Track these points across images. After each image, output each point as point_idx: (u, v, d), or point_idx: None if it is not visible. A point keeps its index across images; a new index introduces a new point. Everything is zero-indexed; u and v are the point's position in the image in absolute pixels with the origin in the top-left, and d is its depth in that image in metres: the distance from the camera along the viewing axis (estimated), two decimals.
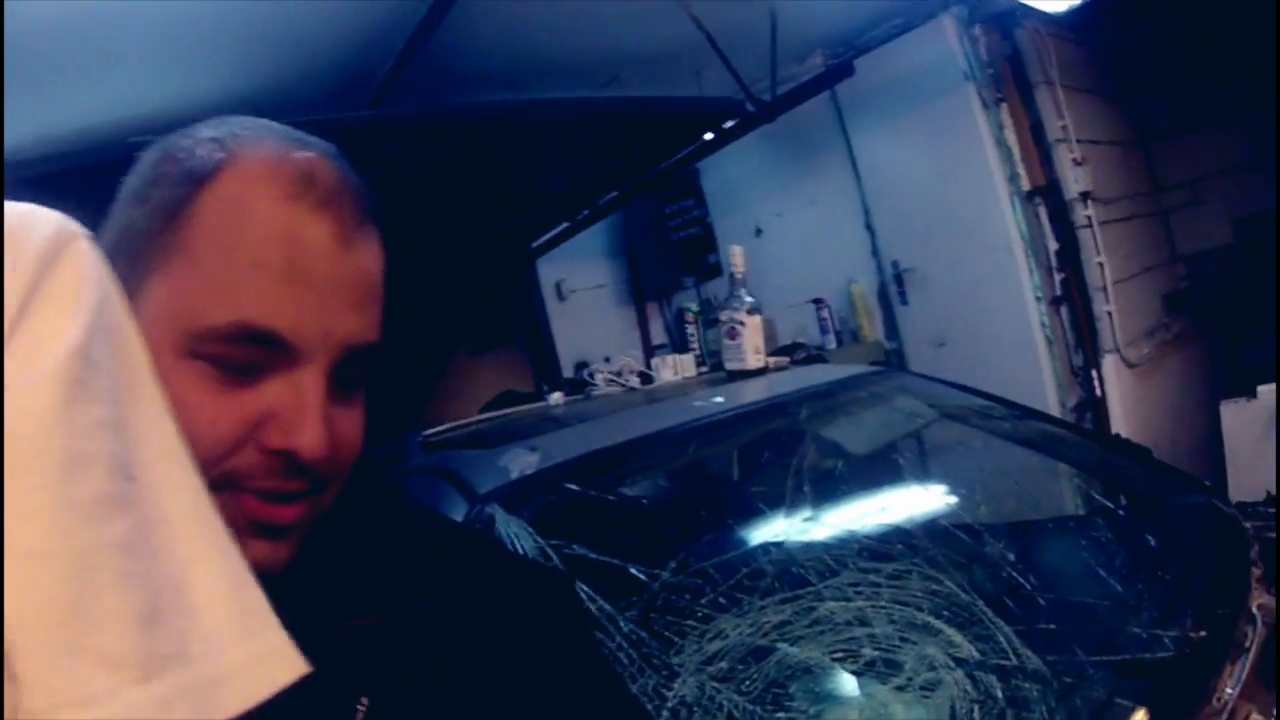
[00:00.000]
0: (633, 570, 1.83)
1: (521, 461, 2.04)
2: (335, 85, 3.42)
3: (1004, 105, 4.43)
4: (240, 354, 0.82)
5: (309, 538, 0.91)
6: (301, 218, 0.84)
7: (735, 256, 2.96)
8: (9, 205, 0.70)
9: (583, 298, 5.67)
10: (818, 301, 5.02)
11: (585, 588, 1.75)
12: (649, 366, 3.06)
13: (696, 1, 3.40)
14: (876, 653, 1.76)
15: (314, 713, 0.80)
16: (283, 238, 0.83)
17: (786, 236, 5.23)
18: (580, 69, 3.75)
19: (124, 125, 3.10)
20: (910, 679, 1.71)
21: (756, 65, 3.89)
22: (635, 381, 2.95)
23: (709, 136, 4.07)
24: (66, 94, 3.11)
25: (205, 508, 0.72)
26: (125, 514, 0.66)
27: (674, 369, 3.01)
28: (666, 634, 1.73)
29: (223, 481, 0.82)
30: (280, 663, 0.70)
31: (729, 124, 3.98)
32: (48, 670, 0.60)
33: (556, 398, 2.78)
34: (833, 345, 4.94)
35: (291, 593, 0.85)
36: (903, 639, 1.79)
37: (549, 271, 5.61)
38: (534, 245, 5.36)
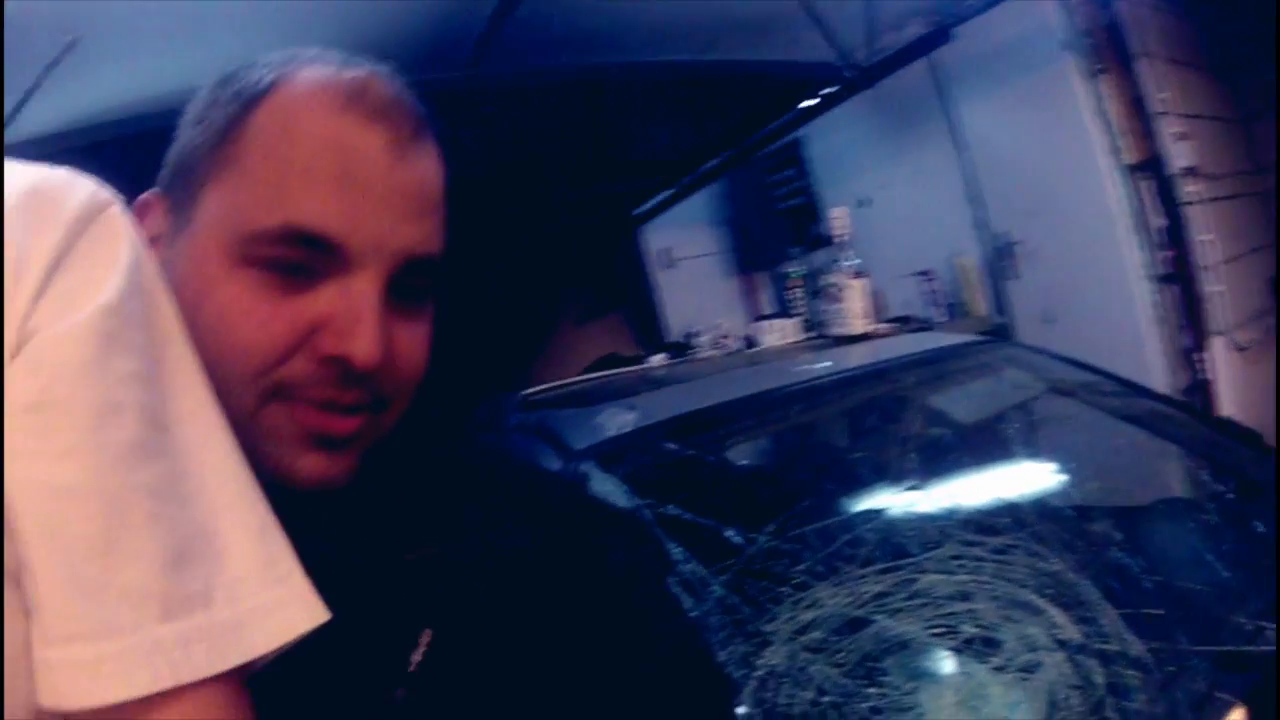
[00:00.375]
0: (728, 533, 1.76)
1: (619, 420, 1.98)
2: (428, 50, 3.34)
3: (1104, 77, 4.24)
4: (291, 256, 0.81)
5: (376, 464, 0.89)
6: (353, 128, 0.82)
7: (838, 219, 2.88)
8: (48, 170, 0.72)
9: (690, 266, 5.60)
10: (924, 274, 4.88)
11: (678, 549, 1.69)
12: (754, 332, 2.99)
13: None
14: (976, 630, 1.68)
15: (376, 643, 0.83)
16: (334, 146, 0.81)
17: (892, 208, 5.07)
18: (679, 33, 3.60)
19: None
20: (1010, 660, 1.63)
21: (854, 33, 3.77)
22: (738, 345, 2.89)
23: (808, 103, 3.97)
24: (155, 61, 2.99)
25: (235, 461, 0.74)
26: (156, 461, 0.67)
27: (778, 334, 2.94)
28: (760, 600, 1.66)
29: (277, 391, 0.82)
30: (301, 609, 0.71)
31: (827, 90, 3.89)
32: (72, 602, 0.62)
33: (658, 359, 2.73)
34: (941, 319, 4.79)
35: (354, 519, 0.87)
36: (1004, 617, 1.71)
37: (655, 239, 5.55)
38: (637, 212, 5.31)
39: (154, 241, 0.89)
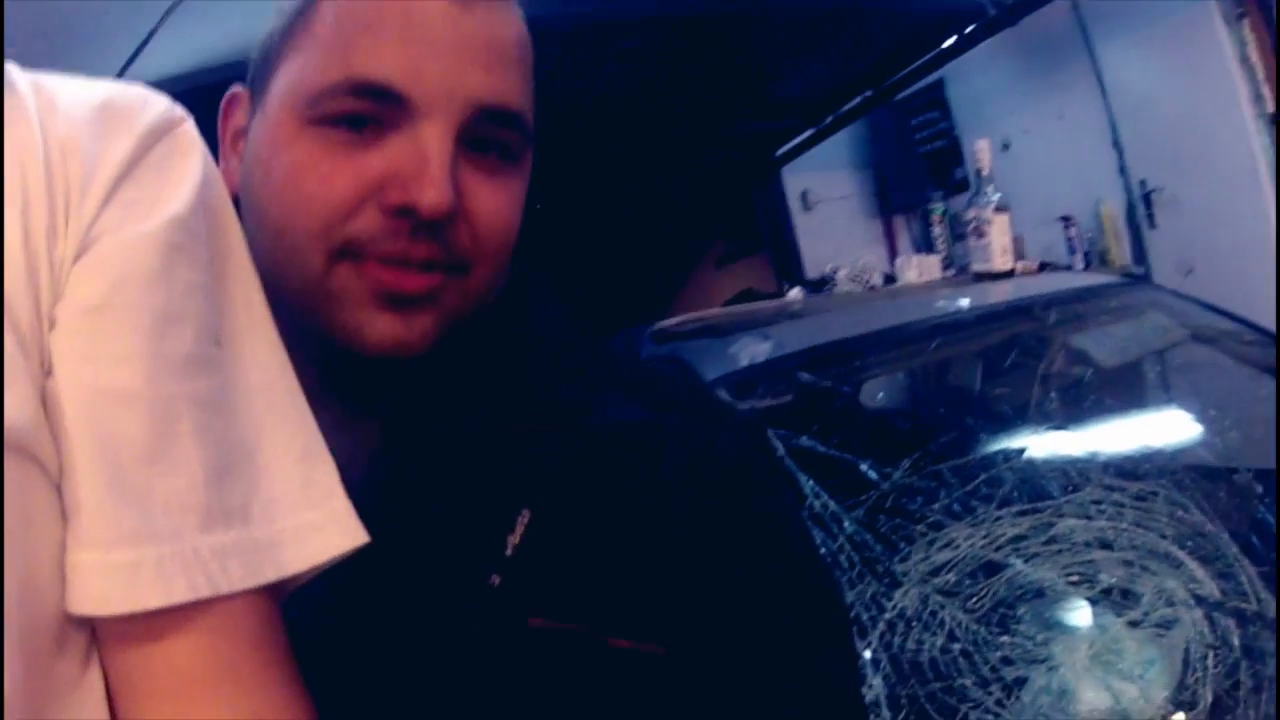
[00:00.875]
0: (863, 467, 1.70)
1: (753, 350, 1.93)
2: None
3: (1246, 21, 4.02)
4: (357, 109, 0.78)
5: (470, 337, 0.86)
6: None
7: (981, 152, 2.77)
8: (122, 85, 0.71)
9: (828, 208, 5.37)
10: (1065, 220, 4.64)
11: (811, 483, 1.63)
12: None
13: None
14: (1114, 580, 1.60)
15: (470, 525, 0.80)
16: (398, 4, 0.78)
17: (1034, 152, 4.81)
18: None
19: None
20: (1146, 614, 1.56)
21: None
22: (878, 281, 2.81)
23: (951, 41, 3.78)
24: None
25: (286, 381, 0.73)
26: (209, 375, 0.67)
27: (918, 270, 2.85)
28: (893, 538, 1.59)
29: (345, 249, 0.79)
30: (338, 532, 0.69)
31: (970, 28, 3.68)
32: (114, 505, 0.61)
33: (795, 293, 2.66)
34: (1080, 267, 4.52)
35: (449, 392, 0.85)
36: (1143, 568, 1.63)
37: (795, 181, 5.33)
38: (777, 154, 5.11)
39: (238, 136, 0.89)
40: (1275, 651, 1.49)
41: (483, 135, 0.81)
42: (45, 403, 0.62)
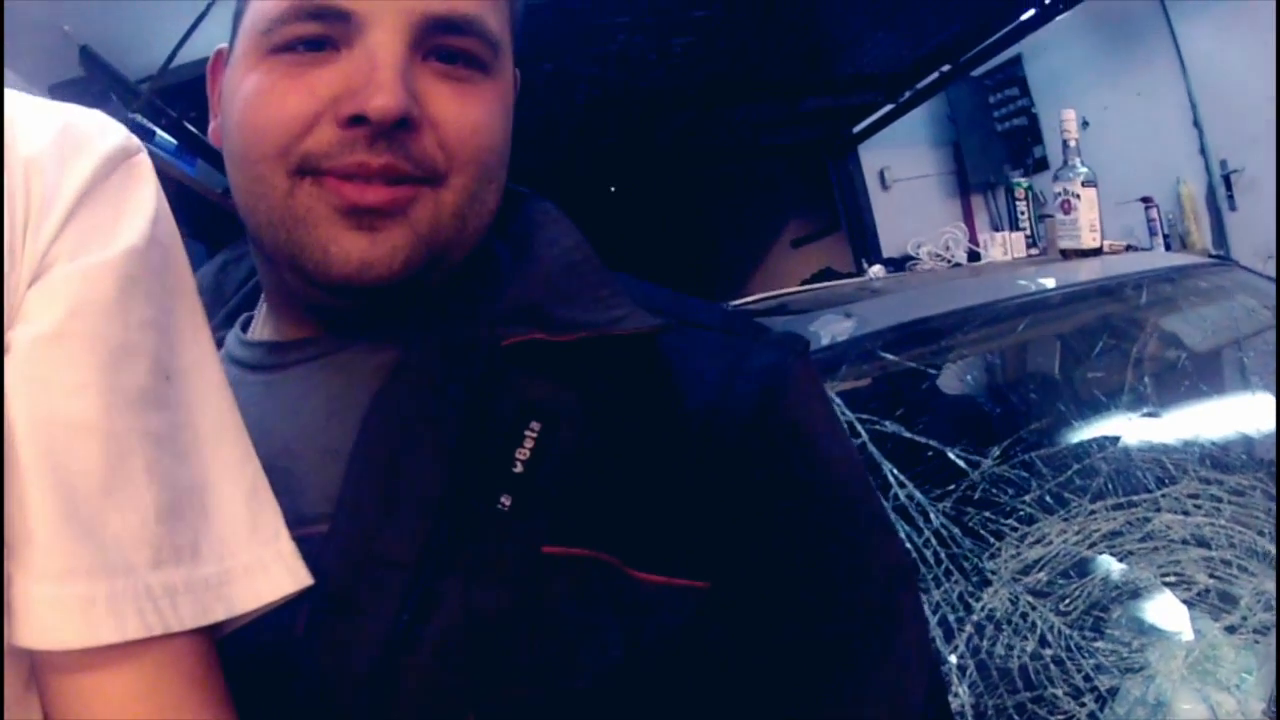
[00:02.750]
0: (951, 455, 1.54)
1: (834, 328, 1.76)
2: None
3: None
4: (305, 32, 0.74)
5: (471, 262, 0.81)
6: None
7: (1068, 122, 2.54)
8: (82, 110, 0.69)
9: (907, 187, 5.25)
10: (1146, 200, 4.41)
11: (894, 472, 1.48)
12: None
13: None
14: (1212, 581, 1.43)
15: (479, 433, 0.72)
16: None
17: (1113, 131, 4.58)
18: None
19: None
20: (1245, 618, 1.40)
21: None
22: (962, 258, 2.62)
23: (1030, 14, 3.64)
24: None
25: (231, 419, 0.69)
26: (160, 411, 0.64)
27: (1003, 247, 2.66)
28: (982, 533, 1.43)
29: (303, 167, 0.74)
30: (284, 572, 0.66)
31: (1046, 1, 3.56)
32: (68, 538, 0.58)
33: (876, 270, 2.50)
34: (1160, 249, 4.31)
35: (452, 312, 0.79)
36: (1241, 568, 1.46)
37: (872, 159, 5.21)
38: (855, 130, 4.98)
39: (219, 98, 0.86)
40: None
41: (442, 45, 0.75)
42: None
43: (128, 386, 0.62)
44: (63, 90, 2.42)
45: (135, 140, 0.69)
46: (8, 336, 0.60)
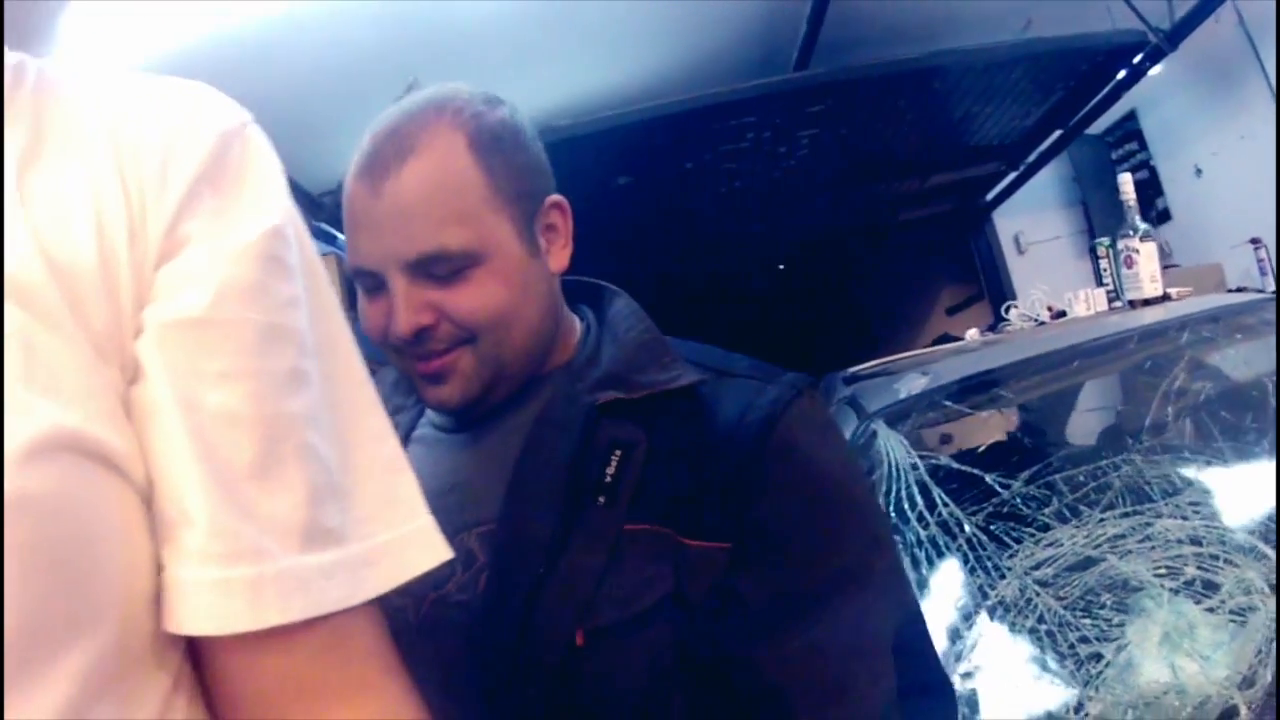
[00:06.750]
0: (988, 479, 1.73)
1: (911, 385, 1.99)
2: (753, 56, 3.27)
3: None
4: (364, 283, 1.04)
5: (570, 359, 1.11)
6: (353, 186, 1.02)
7: (1125, 184, 2.67)
8: (181, 81, 0.64)
9: (1041, 250, 5.15)
10: (1255, 242, 4.22)
11: (939, 492, 1.68)
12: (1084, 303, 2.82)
13: None
14: (1199, 572, 1.58)
15: (583, 460, 0.99)
16: (347, 205, 1.02)
17: (1224, 175, 4.44)
18: (990, 17, 3.37)
19: (546, 111, 3.14)
20: (1223, 601, 1.53)
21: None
22: (1046, 317, 2.76)
23: (1122, 74, 3.57)
24: (504, 86, 3.10)
25: (370, 392, 0.66)
26: (308, 390, 0.59)
27: (1086, 303, 2.78)
28: (1005, 539, 1.63)
29: (392, 350, 1.05)
30: (424, 549, 0.64)
31: (1137, 58, 3.46)
32: (228, 524, 0.54)
33: (972, 334, 2.67)
34: (1271, 289, 3.98)
35: (564, 377, 1.07)
36: (1227, 560, 1.60)
37: (1007, 225, 5.14)
38: (986, 199, 4.93)
39: None
40: (1276, 649, 1.44)
41: (430, 271, 1.00)
42: (129, 406, 0.55)
43: (276, 370, 0.58)
44: None
45: (245, 111, 0.64)
46: (144, 318, 0.56)
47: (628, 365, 1.06)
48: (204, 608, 0.54)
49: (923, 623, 1.10)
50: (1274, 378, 2.20)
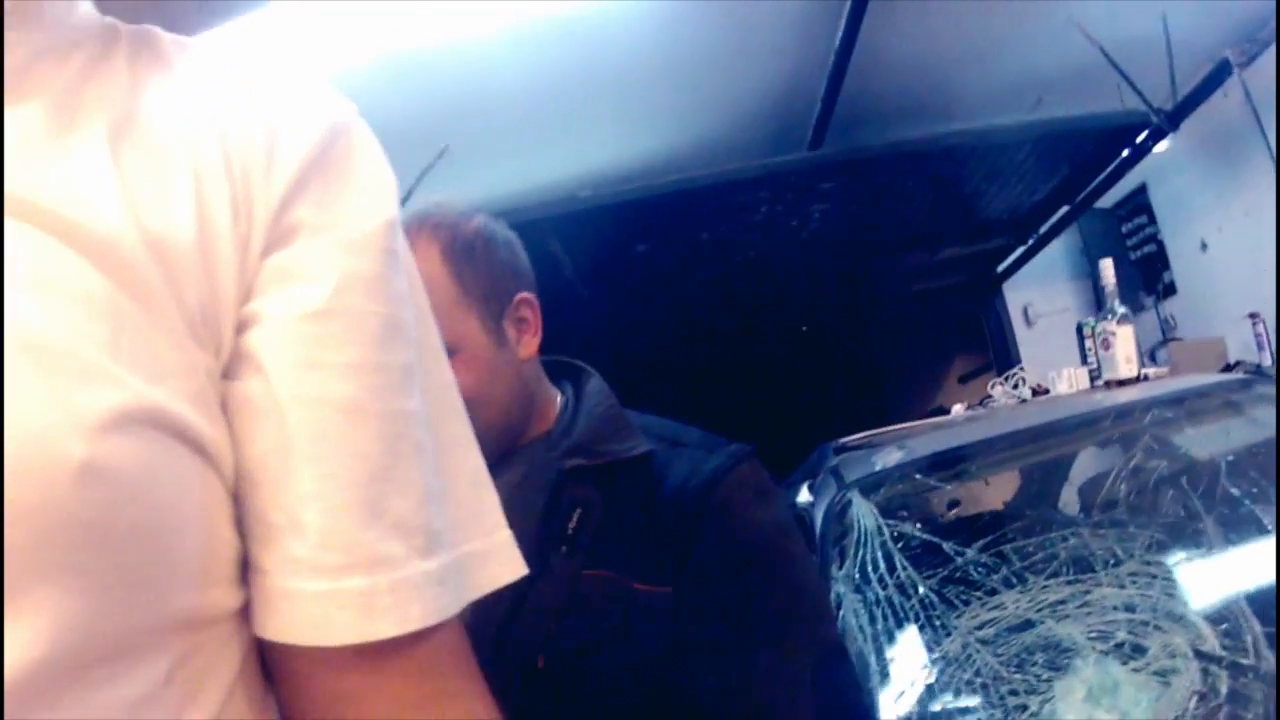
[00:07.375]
0: (945, 547, 1.91)
1: (887, 458, 2.17)
2: (770, 130, 3.34)
3: None
4: None
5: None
6: None
7: (1105, 270, 2.83)
8: (296, 75, 0.61)
9: (1049, 322, 5.17)
10: (1253, 316, 4.20)
11: (899, 557, 1.86)
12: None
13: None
14: (1129, 636, 1.75)
15: (551, 519, 1.19)
16: None
17: (1229, 249, 4.47)
18: (1001, 95, 3.45)
19: (571, 181, 3.29)
20: (1149, 664, 1.70)
21: (1161, 80, 3.34)
22: (1027, 394, 2.92)
23: (1126, 153, 3.73)
24: (517, 163, 3.18)
25: (458, 402, 0.63)
26: (419, 388, 0.57)
27: (1069, 382, 2.94)
28: (955, 601, 1.81)
29: None
30: (508, 559, 0.62)
31: (1140, 138, 3.60)
32: (349, 527, 0.51)
33: (957, 409, 2.82)
34: (1268, 362, 4.08)
35: (541, 445, 1.26)
36: (1156, 627, 1.76)
37: (1017, 297, 5.20)
38: (997, 271, 5.05)
39: None
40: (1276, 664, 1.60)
41: None
42: (230, 400, 0.52)
43: (394, 365, 0.55)
44: None
45: (351, 104, 0.61)
46: (250, 307, 0.53)
47: (593, 436, 1.25)
48: (309, 618, 0.51)
49: (849, 662, 1.30)
50: (1228, 458, 2.36)
